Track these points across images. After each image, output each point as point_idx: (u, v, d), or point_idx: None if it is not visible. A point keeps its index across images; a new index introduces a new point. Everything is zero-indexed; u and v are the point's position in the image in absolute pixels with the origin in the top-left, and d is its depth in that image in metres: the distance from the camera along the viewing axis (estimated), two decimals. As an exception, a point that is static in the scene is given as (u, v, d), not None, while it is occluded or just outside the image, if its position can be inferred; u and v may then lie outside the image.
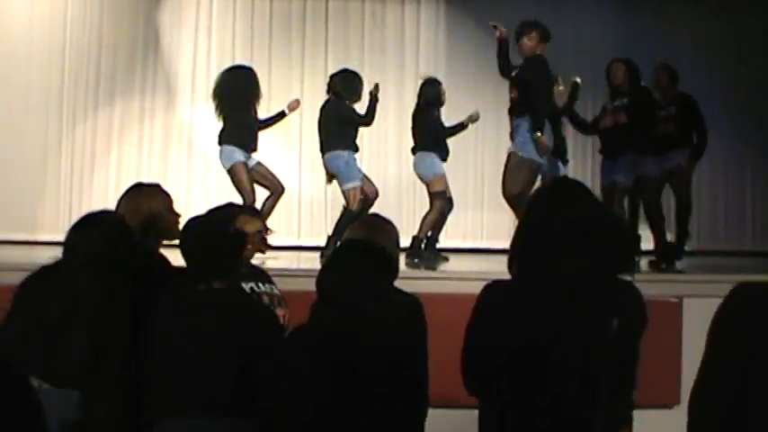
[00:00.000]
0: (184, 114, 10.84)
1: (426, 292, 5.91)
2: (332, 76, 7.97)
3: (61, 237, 3.74)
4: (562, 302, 2.54)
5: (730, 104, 10.64)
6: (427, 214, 7.80)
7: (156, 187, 4.19)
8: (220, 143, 7.79)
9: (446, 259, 7.72)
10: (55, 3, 10.70)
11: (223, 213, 4.09)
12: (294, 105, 8.11)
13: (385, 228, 3.77)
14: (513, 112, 7.31)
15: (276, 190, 7.86)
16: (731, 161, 10.80)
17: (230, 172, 7.72)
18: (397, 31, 11.08)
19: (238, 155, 7.69)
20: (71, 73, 10.70)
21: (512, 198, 7.06)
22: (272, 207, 7.77)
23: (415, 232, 7.65)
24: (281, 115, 8.13)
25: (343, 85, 7.78)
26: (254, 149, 7.85)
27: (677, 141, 7.69)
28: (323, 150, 7.78)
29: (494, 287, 2.69)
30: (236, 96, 7.75)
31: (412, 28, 11.08)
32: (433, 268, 7.34)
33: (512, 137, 7.32)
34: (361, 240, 3.46)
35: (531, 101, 7.08)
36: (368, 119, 7.81)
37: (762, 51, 10.89)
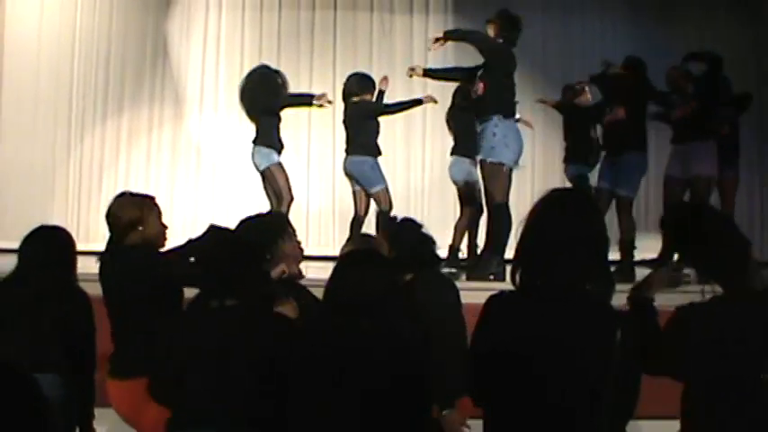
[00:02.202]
0: (193, 124, 10.86)
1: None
2: (346, 82, 7.97)
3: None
4: (565, 312, 2.56)
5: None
6: (458, 222, 7.89)
7: (144, 197, 4.37)
8: (256, 143, 7.75)
9: None
10: (64, 13, 10.75)
11: (261, 234, 4.07)
12: (323, 100, 8.00)
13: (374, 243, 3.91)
14: (478, 114, 7.04)
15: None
16: (740, 170, 10.77)
17: (266, 172, 7.71)
18: (405, 41, 11.09)
19: (275, 156, 7.70)
20: (80, 83, 10.74)
21: (496, 207, 6.86)
22: None
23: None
24: (309, 101, 8.00)
25: (359, 84, 7.84)
26: (283, 148, 7.86)
27: (693, 132, 7.59)
28: (348, 152, 7.75)
29: (498, 297, 2.71)
30: (267, 96, 7.73)
31: (420, 39, 11.07)
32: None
33: (480, 143, 7.01)
34: (367, 249, 3.48)
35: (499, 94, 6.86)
36: (393, 108, 7.88)
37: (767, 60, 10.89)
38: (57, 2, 10.77)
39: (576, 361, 2.52)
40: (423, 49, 11.10)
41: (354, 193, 7.83)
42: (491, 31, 7.05)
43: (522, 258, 2.69)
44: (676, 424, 2.86)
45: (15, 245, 4.37)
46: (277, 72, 8.01)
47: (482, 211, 7.68)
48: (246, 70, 10.81)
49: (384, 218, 7.51)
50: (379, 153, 7.76)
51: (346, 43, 10.96)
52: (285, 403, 2.96)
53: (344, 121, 7.85)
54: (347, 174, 7.82)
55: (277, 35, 10.97)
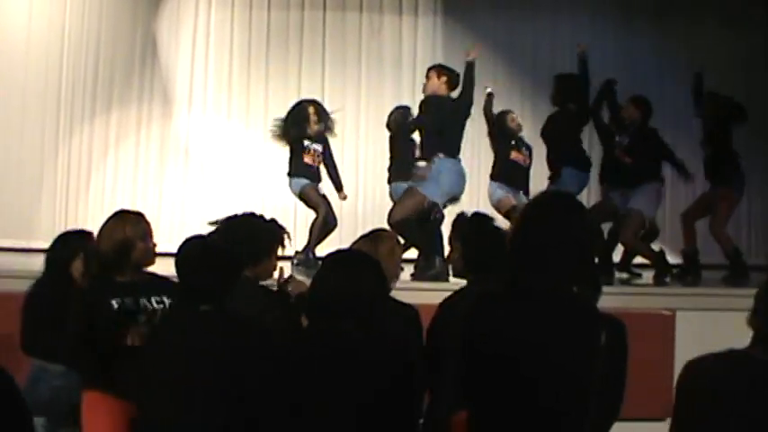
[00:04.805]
0: (181, 124, 10.85)
1: (429, 303, 5.96)
2: (389, 117, 8.64)
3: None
4: (550, 313, 2.57)
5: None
6: None
7: (135, 215, 4.27)
8: (289, 174, 8.18)
9: None
10: (53, 12, 10.72)
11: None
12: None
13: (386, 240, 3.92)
14: (422, 153, 7.65)
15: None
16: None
17: (302, 196, 8.18)
18: (394, 42, 11.11)
19: (306, 181, 8.11)
20: (68, 82, 10.71)
21: (394, 224, 7.10)
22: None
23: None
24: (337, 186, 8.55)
25: (399, 119, 8.40)
26: (320, 179, 8.29)
27: (636, 177, 7.67)
28: (389, 181, 8.46)
29: (485, 297, 2.72)
30: (293, 127, 8.17)
31: (409, 40, 11.10)
32: None
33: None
34: (353, 251, 3.49)
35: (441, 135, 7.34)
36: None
37: (755, 66, 10.93)
38: (46, 0, 10.75)
39: (563, 363, 2.52)
40: (412, 49, 11.14)
41: None
42: (434, 77, 7.49)
43: (508, 259, 2.70)
44: (660, 426, 2.87)
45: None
46: (313, 102, 8.40)
47: None
48: (235, 69, 10.90)
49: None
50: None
51: (335, 43, 10.98)
52: (264, 408, 2.95)
53: (391, 150, 8.50)
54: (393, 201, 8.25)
55: (266, 35, 10.97)
